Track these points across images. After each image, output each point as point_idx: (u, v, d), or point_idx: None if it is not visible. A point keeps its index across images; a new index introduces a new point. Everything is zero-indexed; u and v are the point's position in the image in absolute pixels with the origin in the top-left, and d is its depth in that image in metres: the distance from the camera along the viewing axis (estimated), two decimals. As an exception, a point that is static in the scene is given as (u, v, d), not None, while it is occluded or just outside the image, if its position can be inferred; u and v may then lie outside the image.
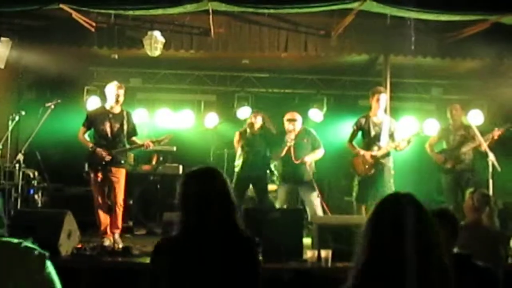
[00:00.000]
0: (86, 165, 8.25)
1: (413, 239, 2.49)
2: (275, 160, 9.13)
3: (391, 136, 8.42)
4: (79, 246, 6.89)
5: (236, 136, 9.20)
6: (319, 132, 9.06)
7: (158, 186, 10.45)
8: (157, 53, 8.81)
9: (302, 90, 12.27)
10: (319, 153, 8.71)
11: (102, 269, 6.30)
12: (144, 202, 10.41)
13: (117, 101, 7.99)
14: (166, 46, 8.89)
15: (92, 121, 8.01)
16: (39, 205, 9.35)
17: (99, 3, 8.14)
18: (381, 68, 9.88)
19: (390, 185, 8.28)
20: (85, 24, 8.82)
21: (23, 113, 8.56)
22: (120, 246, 7.12)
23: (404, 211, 2.55)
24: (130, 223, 9.73)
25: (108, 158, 7.81)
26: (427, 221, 2.58)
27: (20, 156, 8.03)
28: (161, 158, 10.57)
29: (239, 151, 9.12)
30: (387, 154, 8.39)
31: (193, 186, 3.32)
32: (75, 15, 8.46)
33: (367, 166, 8.32)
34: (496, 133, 8.57)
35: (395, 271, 2.46)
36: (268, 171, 9.53)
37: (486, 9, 8.05)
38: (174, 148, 10.41)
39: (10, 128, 8.43)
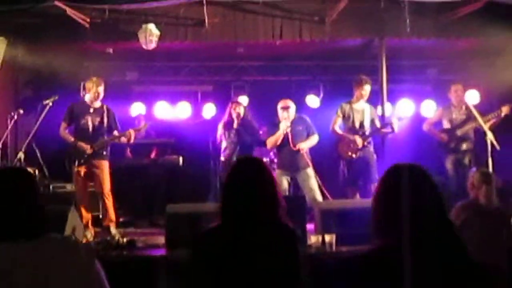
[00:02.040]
0: (67, 161, 8.26)
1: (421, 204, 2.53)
2: (269, 148, 9.11)
3: (372, 121, 8.78)
4: (84, 241, 6.93)
5: (220, 128, 9.21)
6: (316, 118, 9.10)
7: (159, 179, 10.46)
8: (152, 45, 8.81)
9: (298, 77, 12.26)
10: (313, 140, 8.74)
11: (108, 263, 6.32)
12: (145, 195, 10.43)
13: (95, 98, 8.11)
14: (161, 38, 8.89)
15: (73, 116, 8.14)
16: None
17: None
18: (376, 52, 9.90)
19: (375, 169, 8.50)
20: (80, 20, 8.83)
21: (21, 111, 8.57)
22: (125, 239, 7.16)
23: (406, 179, 2.59)
24: (133, 217, 9.76)
25: (89, 151, 7.94)
26: (430, 186, 2.62)
27: (21, 155, 8.04)
28: (160, 151, 10.58)
29: (224, 143, 9.13)
30: (370, 139, 8.72)
31: (241, 176, 3.30)
32: (69, 11, 8.47)
33: (352, 151, 8.53)
34: (505, 110, 8.61)
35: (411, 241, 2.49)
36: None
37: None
38: (173, 140, 10.42)
39: (9, 127, 8.45)
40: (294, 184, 8.78)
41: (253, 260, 3.07)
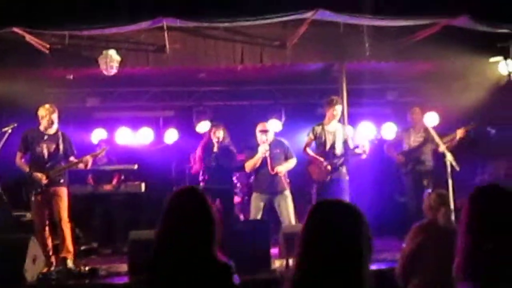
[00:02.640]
0: (24, 190, 8.14)
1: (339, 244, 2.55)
2: (248, 171, 9.09)
3: (345, 143, 8.66)
4: (45, 270, 6.82)
5: (198, 151, 9.17)
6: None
7: (122, 205, 10.36)
8: (113, 71, 8.77)
9: (260, 101, 12.31)
10: (292, 163, 8.77)
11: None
12: (108, 222, 10.31)
13: (49, 125, 8.02)
14: (122, 64, 8.86)
15: (27, 144, 8.02)
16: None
17: (52, 24, 8.11)
18: (337, 75, 10.00)
19: (347, 191, 8.45)
20: (39, 46, 8.75)
21: (-21, 139, 8.44)
22: (87, 268, 7.05)
23: (332, 218, 2.60)
24: (95, 244, 9.64)
25: (45, 181, 7.83)
26: (355, 227, 2.61)
27: (-20, 183, 7.91)
28: (122, 177, 10.49)
29: (202, 166, 9.08)
30: (342, 161, 8.58)
31: (176, 204, 3.23)
32: (28, 37, 8.40)
33: (323, 174, 8.46)
34: (460, 133, 8.76)
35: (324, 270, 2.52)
36: (232, 184, 9.49)
37: (436, 13, 8.27)
38: (135, 166, 10.34)
39: (-32, 154, 8.31)
40: (270, 207, 8.70)
41: None
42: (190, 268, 3.06)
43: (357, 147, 8.50)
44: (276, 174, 8.52)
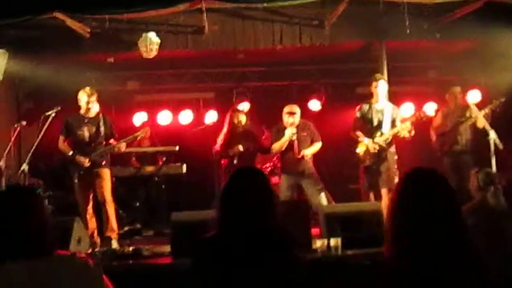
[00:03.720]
0: (67, 173, 8.28)
1: (437, 215, 2.54)
2: (274, 153, 9.07)
3: (393, 122, 8.44)
4: (90, 251, 6.94)
5: (221, 137, 9.17)
6: (319, 122, 9.08)
7: (163, 187, 10.47)
8: (152, 54, 8.81)
9: (300, 81, 12.29)
10: (317, 146, 8.73)
11: (114, 273, 6.33)
12: (150, 203, 10.45)
13: (88, 109, 8.11)
14: (161, 46, 8.88)
15: (69, 128, 8.14)
16: (47, 213, 9.36)
17: (93, 8, 8.19)
18: (377, 54, 9.90)
19: (395, 171, 8.32)
20: (80, 31, 8.83)
21: (24, 123, 8.60)
22: (130, 249, 7.16)
23: (425, 186, 2.60)
24: (138, 225, 9.77)
25: (87, 164, 7.95)
26: (448, 195, 2.63)
27: (25, 166, 8.05)
28: (164, 159, 10.59)
29: (225, 151, 9.03)
30: (390, 140, 8.41)
31: (238, 186, 3.35)
32: (69, 22, 8.49)
33: (370, 154, 8.34)
34: (484, 112, 8.60)
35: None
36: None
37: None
38: (177, 148, 10.42)
39: (12, 139, 8.47)
40: (299, 189, 8.71)
41: (251, 267, 3.11)
42: (256, 239, 3.18)
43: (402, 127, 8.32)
44: (302, 157, 8.49)
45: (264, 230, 3.22)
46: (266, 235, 3.21)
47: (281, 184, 8.74)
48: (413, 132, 8.21)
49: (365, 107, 8.55)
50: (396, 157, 8.45)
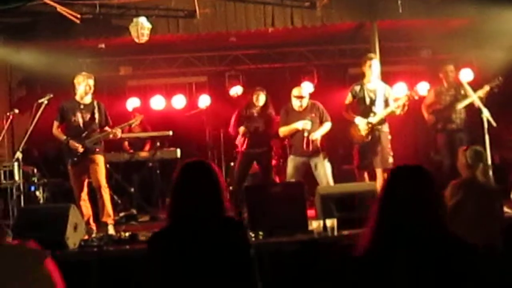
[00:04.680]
0: (62, 159, 8.29)
1: (422, 210, 2.59)
2: (282, 137, 9.02)
3: (386, 102, 8.44)
4: (86, 237, 6.95)
5: (235, 115, 9.13)
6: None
7: (158, 172, 10.47)
8: (144, 39, 8.78)
9: (292, 63, 12.28)
10: (327, 126, 8.63)
11: (111, 259, 6.34)
12: (145, 189, 10.45)
13: (86, 92, 8.09)
14: (152, 31, 8.86)
15: (64, 114, 8.10)
16: (41, 201, 9.37)
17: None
18: (369, 34, 9.89)
19: (388, 150, 8.33)
20: (70, 17, 8.79)
21: (16, 111, 8.56)
22: (127, 234, 7.16)
23: (414, 183, 2.65)
24: (134, 211, 9.78)
25: (81, 150, 7.93)
26: (435, 193, 2.68)
27: (19, 154, 8.03)
28: (158, 144, 10.58)
29: (241, 129, 9.05)
30: (383, 120, 8.43)
31: (187, 179, 3.41)
32: (59, 8, 8.45)
33: (364, 133, 8.35)
34: (483, 91, 8.61)
35: (403, 238, 2.54)
36: (271, 148, 9.38)
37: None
38: (170, 133, 10.42)
39: (5, 127, 8.44)
40: (306, 170, 8.66)
41: (202, 256, 3.18)
42: (204, 229, 3.26)
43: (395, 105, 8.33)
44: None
45: (214, 221, 3.31)
46: (216, 226, 3.30)
47: (289, 165, 8.65)
48: (406, 108, 8.23)
49: (357, 87, 8.53)
50: (390, 136, 8.45)
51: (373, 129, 8.32)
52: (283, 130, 8.64)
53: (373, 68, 8.42)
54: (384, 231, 2.68)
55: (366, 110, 8.41)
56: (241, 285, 3.24)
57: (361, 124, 8.33)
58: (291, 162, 8.57)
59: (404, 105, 8.19)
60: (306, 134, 8.35)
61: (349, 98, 8.55)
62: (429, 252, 2.59)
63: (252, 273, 3.29)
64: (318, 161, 8.44)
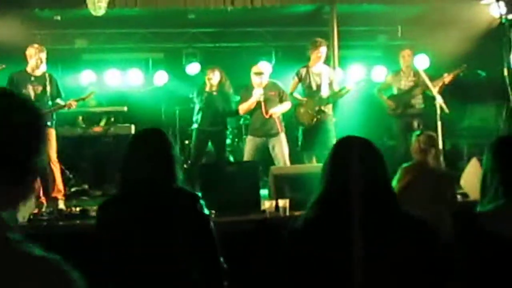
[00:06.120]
0: None
1: (364, 176, 2.62)
2: (242, 114, 9.02)
3: (330, 85, 8.60)
4: (36, 211, 6.85)
5: (194, 93, 9.11)
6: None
7: (111, 147, 10.37)
8: (101, 12, 8.62)
9: (250, 43, 12.25)
10: (286, 105, 8.66)
11: (60, 234, 6.28)
12: (97, 164, 10.34)
13: (37, 65, 7.94)
14: (110, 4, 8.72)
15: (13, 87, 7.92)
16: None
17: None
18: (327, 18, 9.92)
19: (333, 133, 8.45)
20: (25, -14, 8.61)
21: (-35, 81, 8.37)
22: (77, 209, 7.09)
23: (355, 151, 2.68)
24: (86, 186, 9.69)
25: None
26: (376, 159, 2.71)
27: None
28: (112, 119, 10.47)
29: (197, 107, 9.02)
30: (327, 103, 8.56)
31: (140, 147, 3.37)
32: (14, -23, 8.27)
33: (309, 117, 8.47)
34: (447, 78, 8.73)
35: (347, 205, 2.57)
36: (226, 127, 9.38)
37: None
38: (125, 108, 10.32)
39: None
40: (264, 150, 8.65)
41: (154, 226, 3.16)
42: (157, 195, 3.24)
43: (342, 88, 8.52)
44: (271, 116, 8.46)
45: (166, 189, 3.27)
46: (168, 194, 3.28)
47: (247, 144, 8.69)
48: (352, 90, 8.52)
49: (303, 70, 8.64)
50: (334, 119, 8.60)
51: (318, 112, 8.44)
52: (242, 107, 8.66)
53: (322, 54, 8.55)
54: (327, 198, 2.71)
55: (312, 93, 8.55)
56: (199, 252, 3.23)
57: (308, 106, 8.46)
58: (250, 142, 8.60)
59: (350, 89, 8.50)
60: (261, 98, 8.38)
61: (294, 81, 8.68)
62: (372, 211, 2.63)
63: (211, 240, 3.30)
64: (276, 142, 8.48)
